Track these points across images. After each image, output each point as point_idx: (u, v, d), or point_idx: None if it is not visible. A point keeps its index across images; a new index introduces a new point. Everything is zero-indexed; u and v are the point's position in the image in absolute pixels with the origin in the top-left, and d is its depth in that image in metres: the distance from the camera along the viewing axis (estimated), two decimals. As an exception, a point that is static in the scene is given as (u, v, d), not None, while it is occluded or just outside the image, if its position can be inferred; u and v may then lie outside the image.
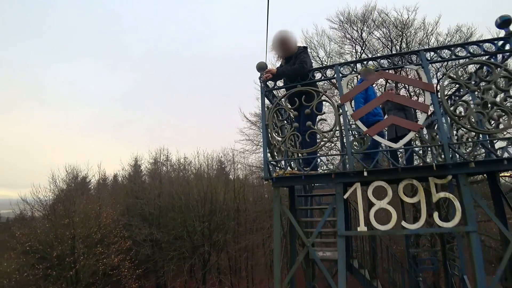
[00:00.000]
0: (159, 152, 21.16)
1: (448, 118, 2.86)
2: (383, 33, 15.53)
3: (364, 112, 2.72)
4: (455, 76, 2.64)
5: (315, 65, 15.36)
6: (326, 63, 15.35)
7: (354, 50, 15.63)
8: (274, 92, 3.50)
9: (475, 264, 2.51)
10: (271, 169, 3.00)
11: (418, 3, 15.07)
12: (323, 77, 2.96)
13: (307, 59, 2.93)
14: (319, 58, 15.20)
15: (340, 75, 2.79)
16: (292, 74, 2.93)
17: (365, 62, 2.84)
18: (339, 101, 2.84)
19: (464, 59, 2.79)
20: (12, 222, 17.91)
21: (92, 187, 25.04)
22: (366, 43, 15.51)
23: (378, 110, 4.00)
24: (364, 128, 2.60)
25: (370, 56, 15.50)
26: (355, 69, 2.77)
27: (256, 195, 21.43)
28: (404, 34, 14.70)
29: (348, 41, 15.49)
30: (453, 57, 2.75)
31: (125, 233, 15.21)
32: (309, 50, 16.08)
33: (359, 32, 14.93)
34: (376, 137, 2.58)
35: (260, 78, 3.01)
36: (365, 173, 2.49)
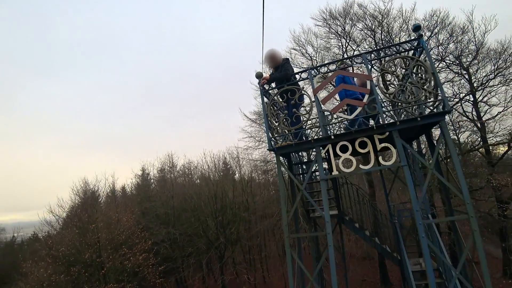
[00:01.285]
0: (168, 157, 22.64)
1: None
2: (365, 24, 17.07)
3: (328, 99, 4.23)
4: (384, 68, 4.13)
5: (304, 60, 16.78)
6: (314, 58, 16.91)
7: (340, 44, 17.15)
8: (268, 91, 5.00)
9: (409, 188, 4.00)
10: (273, 143, 4.52)
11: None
12: (301, 78, 4.47)
13: (289, 68, 4.43)
14: (308, 54, 16.75)
15: (312, 75, 4.29)
16: (280, 79, 4.44)
17: (328, 65, 4.35)
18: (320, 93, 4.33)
19: (391, 55, 4.27)
20: (35, 235, 19.43)
21: (102, 200, 26.58)
22: (350, 35, 17.00)
23: (352, 92, 5.38)
24: (330, 109, 4.11)
25: (355, 48, 16.99)
26: (320, 71, 4.28)
27: (262, 188, 22.96)
28: (383, 24, 16.22)
29: (333, 35, 17.00)
30: (382, 55, 4.23)
31: (145, 233, 16.75)
32: (297, 47, 17.48)
33: (342, 27, 16.42)
34: (337, 113, 4.09)
35: (258, 83, 4.53)
36: (332, 137, 4.00)
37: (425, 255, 3.89)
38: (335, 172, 4.05)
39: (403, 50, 4.26)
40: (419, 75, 4.30)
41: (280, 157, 4.69)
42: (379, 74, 3.98)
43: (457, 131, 20.21)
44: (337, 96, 6.50)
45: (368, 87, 4.02)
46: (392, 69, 4.26)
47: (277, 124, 4.59)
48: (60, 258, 14.13)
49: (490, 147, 18.21)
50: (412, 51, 4.44)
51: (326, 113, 4.88)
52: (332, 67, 4.47)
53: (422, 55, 4.41)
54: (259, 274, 21.84)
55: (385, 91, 4.03)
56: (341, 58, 15.98)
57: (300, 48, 16.75)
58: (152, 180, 28.67)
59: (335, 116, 4.60)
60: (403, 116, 4.81)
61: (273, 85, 4.74)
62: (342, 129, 4.62)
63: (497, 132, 16.93)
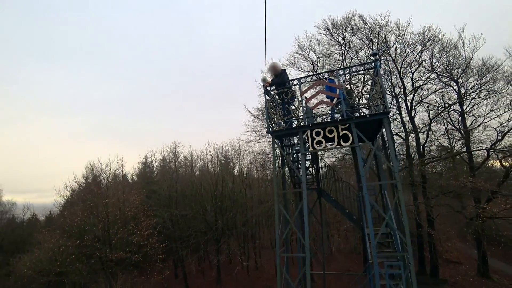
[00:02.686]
0: (174, 146, 24.70)
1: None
2: (364, 34, 19.22)
3: (310, 99, 6.38)
4: (349, 81, 6.27)
5: (306, 64, 19.05)
6: (316, 63, 19.05)
7: (340, 51, 19.25)
8: (269, 92, 7.13)
9: (358, 161, 6.15)
10: (270, 128, 6.68)
11: (389, 9, 18.56)
12: (293, 84, 6.64)
13: (285, 76, 6.61)
14: (310, 58, 18.88)
15: (301, 83, 6.45)
16: (278, 84, 6.60)
17: (315, 76, 6.50)
18: (304, 95, 6.48)
19: (356, 72, 6.42)
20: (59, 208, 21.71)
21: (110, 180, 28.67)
22: (350, 44, 19.12)
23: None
24: (310, 106, 6.28)
25: (353, 55, 19.10)
26: (307, 80, 6.44)
27: (260, 182, 25.17)
28: (380, 35, 18.38)
29: (334, 43, 19.11)
30: (348, 71, 6.38)
31: (151, 212, 18.95)
32: (301, 52, 19.52)
33: (343, 36, 18.52)
34: (315, 110, 6.24)
35: (263, 86, 6.71)
36: (310, 125, 6.16)
37: (367, 208, 6.03)
38: (310, 148, 6.20)
39: (363, 69, 6.42)
40: (376, 86, 6.45)
41: (275, 139, 6.87)
42: (345, 84, 6.12)
43: (451, 140, 22.36)
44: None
45: (337, 93, 6.18)
46: (361, 81, 6.36)
47: (274, 115, 6.75)
48: (75, 227, 16.33)
49: (473, 154, 20.48)
50: (373, 69, 6.60)
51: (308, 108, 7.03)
52: (314, 76, 6.61)
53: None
54: (252, 261, 24.08)
55: (348, 96, 6.17)
56: (334, 66, 18.14)
57: (303, 52, 18.90)
58: (154, 168, 30.91)
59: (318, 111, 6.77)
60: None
61: (273, 87, 6.89)
62: (319, 120, 6.79)
63: (475, 141, 19.18)
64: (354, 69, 6.47)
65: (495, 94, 17.86)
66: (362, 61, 19.20)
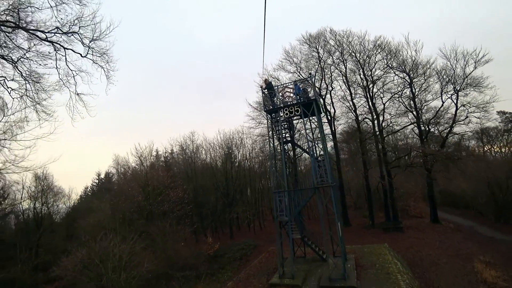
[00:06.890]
0: (192, 134, 34.20)
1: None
2: (335, 42, 28.87)
3: (285, 93, 15.93)
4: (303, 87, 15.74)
5: (291, 67, 30.25)
6: (299, 65, 28.63)
7: (317, 56, 28.82)
8: (263, 92, 16.63)
9: (303, 123, 15.69)
10: (265, 108, 16.26)
11: (350, 25, 27.82)
12: (275, 87, 16.18)
13: (271, 84, 16.13)
14: (295, 63, 28.44)
15: (278, 87, 16.02)
16: (268, 88, 16.12)
17: (283, 85, 16.06)
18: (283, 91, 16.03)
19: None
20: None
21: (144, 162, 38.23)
22: (324, 50, 28.73)
23: (298, 91, 16.97)
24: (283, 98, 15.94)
25: (325, 58, 28.61)
26: (281, 86, 16.00)
27: (259, 161, 34.85)
28: (345, 44, 28.03)
29: (312, 49, 28.71)
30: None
31: (180, 181, 28.48)
32: (287, 58, 29.78)
33: (318, 44, 28.12)
34: (287, 99, 15.83)
35: (261, 88, 16.26)
36: (282, 106, 15.74)
37: (309, 143, 15.52)
38: (283, 115, 15.66)
39: (307, 80, 15.95)
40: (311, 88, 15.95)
41: (268, 114, 16.44)
42: (297, 88, 15.64)
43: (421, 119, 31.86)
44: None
45: (294, 91, 15.70)
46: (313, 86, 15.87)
47: (267, 102, 16.25)
48: (131, 190, 25.79)
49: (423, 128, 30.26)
50: (311, 79, 16.13)
51: (281, 98, 16.55)
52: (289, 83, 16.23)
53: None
54: (257, 224, 33.75)
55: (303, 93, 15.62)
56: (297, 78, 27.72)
57: (289, 59, 28.48)
58: (168, 158, 40.36)
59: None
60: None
61: (266, 89, 16.34)
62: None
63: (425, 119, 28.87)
64: (302, 81, 16.00)
65: (430, 84, 27.61)
66: (333, 62, 28.83)
